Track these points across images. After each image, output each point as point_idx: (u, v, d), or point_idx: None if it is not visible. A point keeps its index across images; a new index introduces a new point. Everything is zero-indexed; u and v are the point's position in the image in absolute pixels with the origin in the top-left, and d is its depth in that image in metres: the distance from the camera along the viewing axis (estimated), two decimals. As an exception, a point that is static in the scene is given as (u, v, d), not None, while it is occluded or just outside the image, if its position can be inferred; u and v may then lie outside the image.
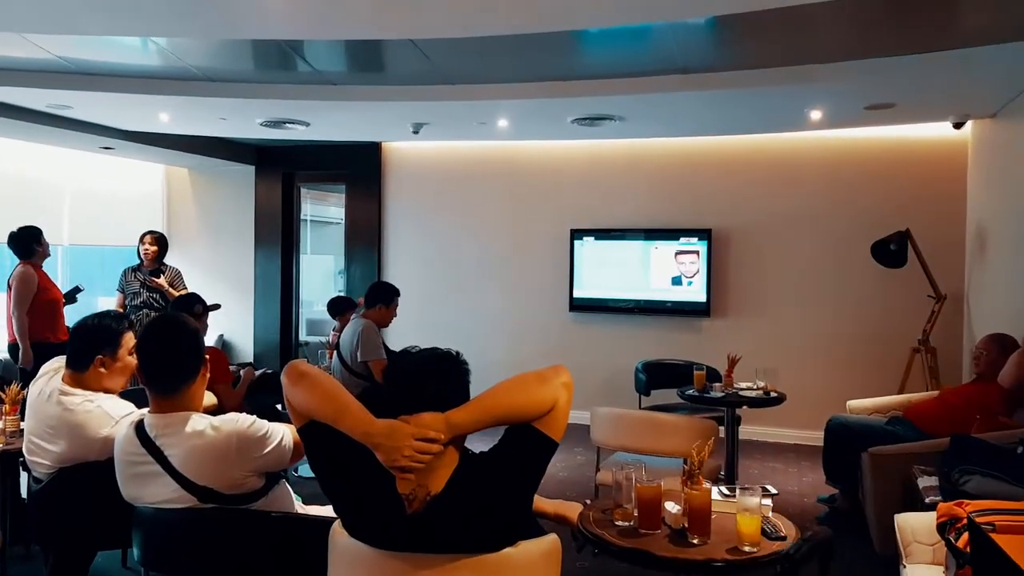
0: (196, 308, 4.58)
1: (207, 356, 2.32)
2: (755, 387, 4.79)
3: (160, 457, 2.19)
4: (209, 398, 3.05)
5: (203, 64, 4.97)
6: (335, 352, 4.94)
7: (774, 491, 2.48)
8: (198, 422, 2.22)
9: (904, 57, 4.36)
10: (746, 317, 6.68)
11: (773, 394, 4.66)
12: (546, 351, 7.21)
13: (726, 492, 2.48)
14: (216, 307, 4.74)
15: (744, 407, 4.89)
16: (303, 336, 9.04)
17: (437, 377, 1.84)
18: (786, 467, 5.81)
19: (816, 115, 5.48)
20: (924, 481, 3.43)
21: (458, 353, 1.92)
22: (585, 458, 5.89)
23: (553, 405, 1.83)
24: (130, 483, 2.25)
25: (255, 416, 2.28)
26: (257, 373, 4.76)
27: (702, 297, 6.66)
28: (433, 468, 1.78)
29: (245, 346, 8.37)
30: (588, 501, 2.84)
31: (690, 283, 6.73)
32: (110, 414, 2.59)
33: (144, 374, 2.26)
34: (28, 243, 5.45)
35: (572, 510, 2.52)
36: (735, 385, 4.83)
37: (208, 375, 2.32)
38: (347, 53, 4.88)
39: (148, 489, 2.21)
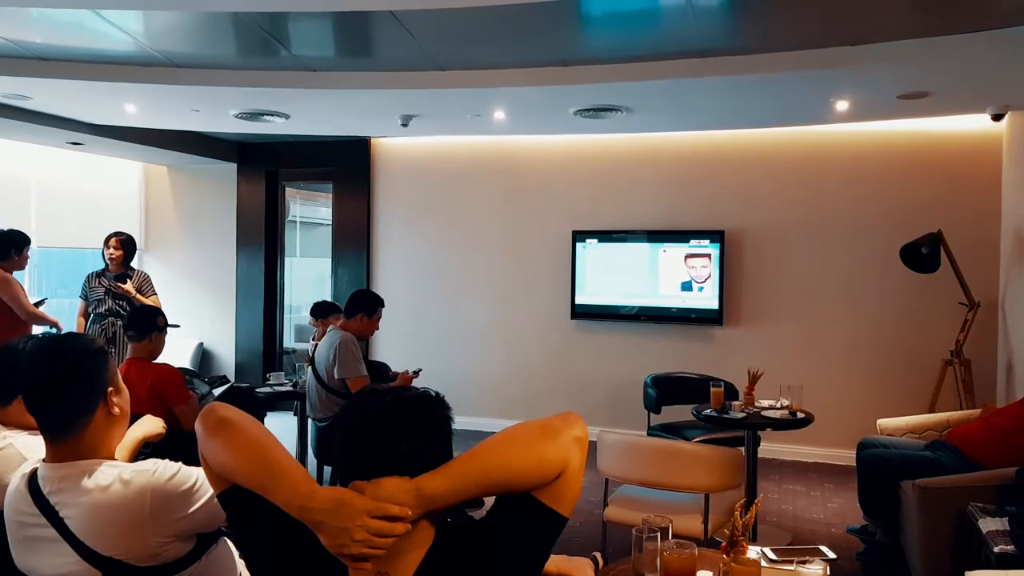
0: (159, 320, 4.10)
1: (110, 387, 1.79)
2: (779, 406, 4.31)
3: (55, 519, 1.71)
4: (150, 428, 2.53)
5: (169, 49, 4.49)
6: (310, 362, 4.45)
7: (832, 555, 2.00)
8: (104, 474, 1.73)
9: (943, 38, 3.91)
10: (762, 326, 6.20)
11: (800, 414, 4.17)
12: (546, 361, 6.75)
13: (774, 557, 2.00)
14: (174, 326, 4.26)
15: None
16: (290, 343, 8.57)
17: (408, 430, 1.35)
18: (808, 490, 5.33)
19: (842, 106, 4.99)
20: (987, 524, 2.95)
21: (438, 395, 1.43)
22: (590, 479, 5.40)
23: (562, 469, 1.34)
24: (22, 549, 1.77)
25: (181, 463, 1.80)
26: (218, 391, 4.27)
27: (714, 304, 6.18)
28: (398, 552, 1.30)
29: (226, 355, 7.88)
30: (598, 556, 2.36)
31: (701, 289, 6.25)
32: (22, 454, 2.10)
33: (30, 413, 1.77)
34: (7, 247, 5.09)
35: (580, 570, 2.04)
36: (756, 403, 4.34)
37: (118, 410, 1.81)
38: (326, 35, 4.41)
39: (43, 558, 1.73)
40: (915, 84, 4.53)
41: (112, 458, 1.83)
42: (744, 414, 4.17)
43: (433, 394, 1.43)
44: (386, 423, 1.36)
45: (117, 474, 1.73)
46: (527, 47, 4.35)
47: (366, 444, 1.35)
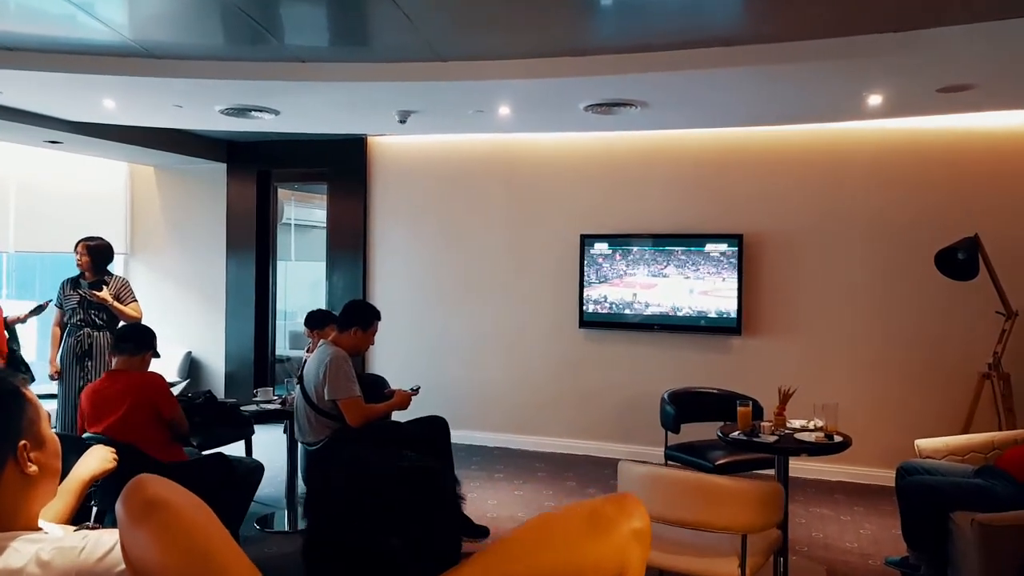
0: (155, 342, 3.84)
1: (24, 440, 1.38)
2: (812, 427, 3.94)
3: (-45, 612, 1.33)
4: (98, 464, 2.11)
5: (147, 38, 4.13)
6: (298, 381, 4.07)
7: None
8: (17, 552, 1.35)
9: (997, 23, 3.54)
10: (783, 336, 5.82)
11: (837, 437, 3.80)
12: (552, 372, 6.38)
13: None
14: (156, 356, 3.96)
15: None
16: (283, 351, 8.21)
17: (403, 518, 0.98)
18: (836, 514, 4.95)
19: (875, 100, 4.62)
20: (1070, 573, 2.58)
21: (438, 470, 1.05)
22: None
23: (618, 575, 0.97)
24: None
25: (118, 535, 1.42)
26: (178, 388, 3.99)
27: (732, 312, 5.81)
28: None
29: (216, 365, 7.50)
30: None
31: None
32: None
33: None
34: None
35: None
36: (787, 424, 3.97)
37: (36, 469, 1.41)
38: (317, 21, 4.05)
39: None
40: (958, 76, 4.17)
41: (32, 527, 1.46)
42: (776, 437, 3.79)
43: (431, 468, 1.06)
44: (372, 507, 0.99)
45: (34, 552, 1.36)
46: (536, 35, 4.00)
47: (343, 536, 0.98)
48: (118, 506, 1.09)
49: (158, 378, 3.74)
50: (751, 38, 3.88)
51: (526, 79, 4.35)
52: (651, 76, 4.27)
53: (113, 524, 3.17)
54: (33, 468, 1.40)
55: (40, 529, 1.47)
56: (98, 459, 2.10)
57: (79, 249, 5.11)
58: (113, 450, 2.15)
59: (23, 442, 1.39)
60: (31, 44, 4.28)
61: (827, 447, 3.73)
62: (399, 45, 4.09)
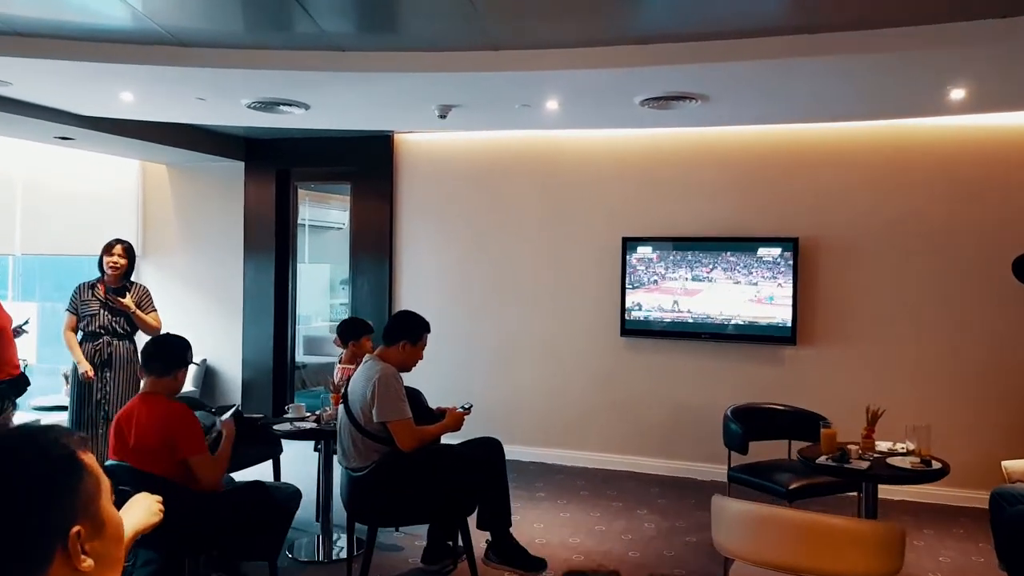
0: (189, 355, 3.38)
1: (78, 525, 1.02)
2: (903, 451, 3.60)
3: None
4: (143, 518, 1.78)
5: (172, 22, 3.79)
6: (342, 400, 3.71)
7: None
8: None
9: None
10: (841, 347, 5.47)
11: (935, 464, 3.46)
12: (592, 384, 6.04)
13: None
14: (196, 364, 3.56)
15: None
16: (300, 357, 7.87)
17: None
18: (908, 539, 4.57)
19: (958, 95, 4.28)
20: None
21: None
22: (652, 528, 4.70)
23: None
24: None
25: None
26: (226, 415, 3.51)
27: (786, 320, 5.47)
28: None
29: (232, 373, 7.15)
30: None
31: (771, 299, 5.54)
32: None
33: None
34: None
35: None
36: (876, 448, 3.63)
37: (90, 565, 1.05)
38: (364, 4, 3.71)
39: None
40: (1058, 67, 3.84)
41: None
42: (867, 463, 3.45)
43: None
44: None
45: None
46: (595, 21, 3.66)
47: None
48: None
49: (184, 413, 3.22)
50: (827, 25, 3.54)
51: (583, 69, 4.00)
52: (715, 66, 3.93)
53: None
54: (88, 563, 1.03)
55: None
56: (144, 511, 1.76)
57: (117, 251, 4.77)
58: (159, 499, 1.82)
59: (77, 528, 1.03)
60: (44, 30, 3.93)
61: (926, 474, 3.39)
62: (451, 32, 3.75)
